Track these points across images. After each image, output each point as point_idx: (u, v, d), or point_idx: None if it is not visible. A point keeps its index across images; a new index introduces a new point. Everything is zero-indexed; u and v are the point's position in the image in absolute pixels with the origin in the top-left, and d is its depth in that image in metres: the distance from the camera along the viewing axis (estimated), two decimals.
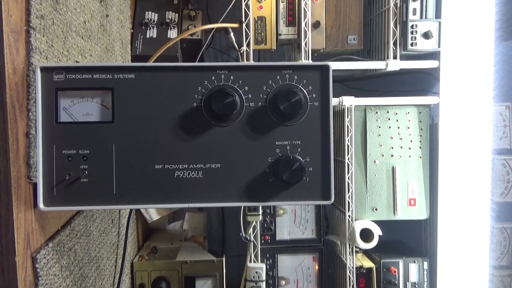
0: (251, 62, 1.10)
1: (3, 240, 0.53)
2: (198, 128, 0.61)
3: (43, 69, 0.58)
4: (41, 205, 0.58)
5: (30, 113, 0.57)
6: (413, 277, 1.22)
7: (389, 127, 1.20)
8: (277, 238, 1.24)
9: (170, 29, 1.20)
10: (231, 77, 0.61)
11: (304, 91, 0.62)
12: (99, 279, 0.84)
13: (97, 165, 0.60)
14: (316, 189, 0.62)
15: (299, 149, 0.62)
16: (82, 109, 0.60)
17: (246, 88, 0.62)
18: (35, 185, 0.59)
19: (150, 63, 0.77)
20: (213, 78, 0.61)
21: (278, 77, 0.62)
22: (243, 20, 1.12)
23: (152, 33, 1.19)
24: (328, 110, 0.62)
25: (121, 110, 0.61)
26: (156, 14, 1.21)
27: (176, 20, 1.23)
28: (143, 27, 1.19)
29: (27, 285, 0.56)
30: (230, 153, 0.62)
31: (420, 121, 1.20)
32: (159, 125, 0.61)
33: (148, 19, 1.20)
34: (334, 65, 1.14)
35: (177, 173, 0.61)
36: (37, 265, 0.58)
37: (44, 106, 0.59)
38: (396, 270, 1.21)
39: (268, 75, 0.62)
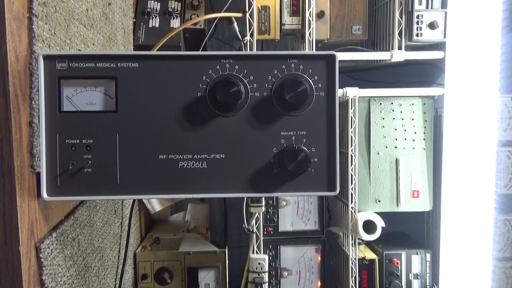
0: (256, 51, 1.08)
1: (7, 230, 0.53)
2: (202, 118, 0.61)
3: (45, 57, 0.57)
4: (44, 194, 0.58)
5: (33, 102, 0.57)
6: (416, 268, 1.22)
7: (393, 118, 1.19)
8: (279, 230, 1.24)
9: (173, 19, 1.19)
10: (236, 67, 0.61)
11: (310, 81, 0.61)
12: (102, 269, 0.84)
13: (101, 155, 0.59)
14: (321, 180, 0.62)
15: (304, 140, 0.61)
16: (85, 98, 0.60)
17: (251, 77, 0.61)
18: (38, 175, 0.58)
19: (154, 52, 0.77)
20: (217, 67, 0.60)
21: (283, 67, 0.61)
22: (247, 10, 1.11)
23: (155, 22, 1.18)
24: (334, 100, 0.61)
25: (124, 100, 0.60)
26: (159, 3, 1.20)
27: (179, 9, 1.21)
28: (146, 16, 1.18)
29: (31, 275, 0.56)
30: (235, 143, 0.61)
31: (425, 113, 1.19)
32: (163, 115, 0.60)
33: (150, 8, 1.19)
34: (338, 56, 1.13)
35: (181, 163, 0.61)
36: (41, 255, 0.58)
37: (47, 95, 0.58)
38: (399, 261, 1.21)
39: (273, 65, 0.61)
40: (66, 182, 0.59)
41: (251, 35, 1.12)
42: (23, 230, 0.54)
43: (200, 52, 0.64)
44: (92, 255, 0.78)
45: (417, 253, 1.22)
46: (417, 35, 1.13)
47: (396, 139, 1.19)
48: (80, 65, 0.59)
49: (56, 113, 0.59)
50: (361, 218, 1.16)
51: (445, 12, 1.13)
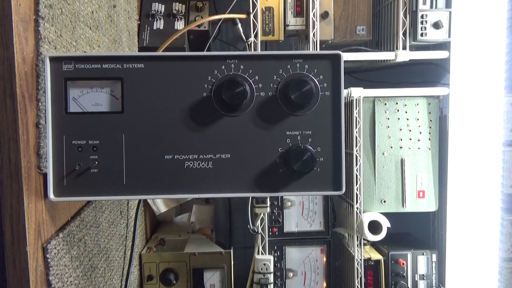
0: (262, 51, 1.09)
1: (14, 230, 0.53)
2: (208, 118, 0.61)
3: (52, 59, 0.58)
4: (51, 195, 0.58)
5: (40, 103, 0.57)
6: (422, 269, 1.21)
7: (398, 118, 1.19)
8: (284, 230, 1.24)
9: (177, 20, 1.20)
10: (241, 67, 0.61)
11: (315, 80, 0.61)
12: (108, 270, 0.84)
13: (107, 156, 0.60)
14: (327, 180, 0.62)
15: (310, 139, 0.61)
16: (92, 99, 0.60)
17: (257, 77, 0.61)
18: (45, 176, 0.59)
19: (160, 52, 0.77)
20: (223, 67, 0.61)
21: (288, 67, 0.61)
22: (251, 11, 1.11)
23: (159, 24, 1.18)
24: (340, 100, 0.61)
25: (130, 100, 0.60)
26: (163, 5, 1.20)
27: (183, 11, 1.22)
28: (150, 19, 1.19)
29: (38, 275, 0.56)
30: (240, 143, 0.61)
31: (430, 113, 1.19)
32: (169, 115, 0.60)
33: (155, 10, 1.19)
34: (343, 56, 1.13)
35: (187, 163, 0.61)
36: (48, 256, 0.58)
37: (54, 96, 0.58)
38: (405, 262, 1.20)
39: (278, 65, 0.61)
40: (72, 182, 0.59)
41: (255, 36, 1.12)
42: (30, 230, 0.55)
43: (205, 53, 0.65)
44: (98, 255, 0.78)
45: (423, 254, 1.22)
46: (421, 35, 1.13)
47: (401, 139, 1.19)
48: (86, 66, 0.59)
49: (63, 114, 0.59)
50: (366, 218, 1.16)
51: (450, 12, 1.13)
